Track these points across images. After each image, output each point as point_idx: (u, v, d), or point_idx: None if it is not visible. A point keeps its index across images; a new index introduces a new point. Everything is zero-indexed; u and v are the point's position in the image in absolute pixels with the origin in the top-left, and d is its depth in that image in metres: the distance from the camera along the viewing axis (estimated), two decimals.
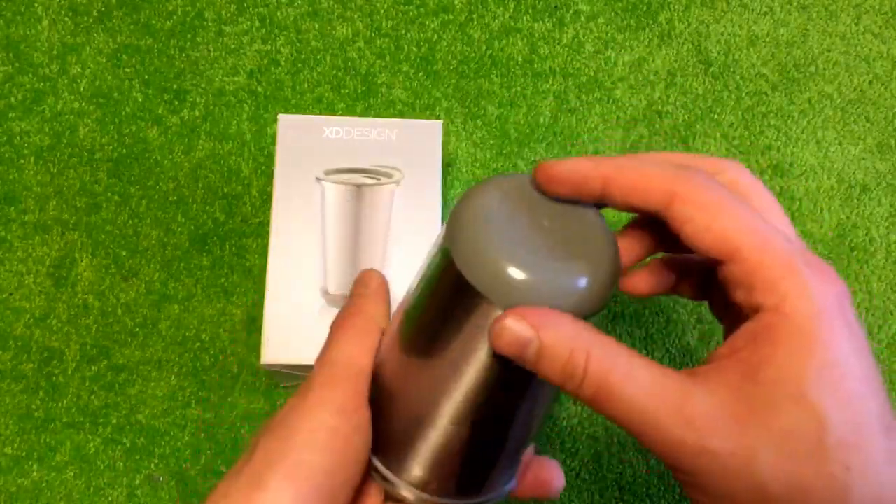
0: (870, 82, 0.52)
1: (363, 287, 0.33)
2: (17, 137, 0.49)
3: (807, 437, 0.23)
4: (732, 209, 0.25)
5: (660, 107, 0.51)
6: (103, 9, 0.52)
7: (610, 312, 0.47)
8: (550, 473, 0.33)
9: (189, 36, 0.52)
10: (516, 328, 0.25)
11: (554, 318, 0.25)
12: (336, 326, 0.31)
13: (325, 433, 0.27)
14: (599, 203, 0.28)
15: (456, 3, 0.53)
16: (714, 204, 0.25)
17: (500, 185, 0.27)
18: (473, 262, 0.25)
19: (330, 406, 0.28)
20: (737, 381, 0.24)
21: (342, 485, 0.28)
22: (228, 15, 0.52)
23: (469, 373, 0.27)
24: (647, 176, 0.26)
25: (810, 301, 0.24)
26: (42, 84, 0.50)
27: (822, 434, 0.23)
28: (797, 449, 0.23)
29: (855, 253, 0.49)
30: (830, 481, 0.23)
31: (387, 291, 0.33)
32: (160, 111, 0.50)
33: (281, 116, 0.42)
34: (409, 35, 0.52)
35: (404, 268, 0.40)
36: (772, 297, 0.24)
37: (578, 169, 0.27)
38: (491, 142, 0.50)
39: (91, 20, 0.52)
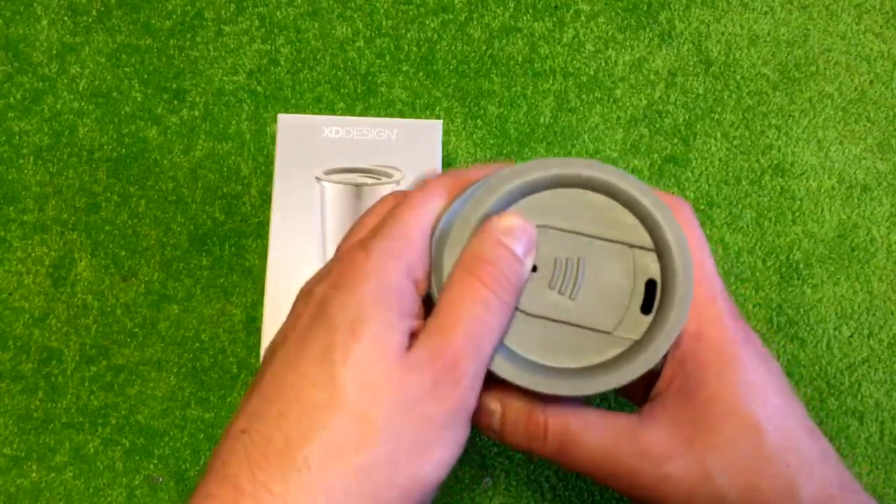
0: (871, 82, 0.52)
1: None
2: (17, 137, 0.49)
3: (747, 444, 0.26)
4: None
5: (660, 106, 0.51)
6: (103, 8, 0.52)
7: None
8: None
9: (188, 35, 0.52)
10: (484, 399, 0.27)
11: (512, 391, 0.27)
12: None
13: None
14: None
15: (456, 2, 0.53)
16: None
17: None
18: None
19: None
20: (678, 409, 0.27)
21: None
22: (228, 14, 0.52)
23: None
24: None
25: (725, 330, 0.27)
26: (41, 84, 0.50)
27: (760, 440, 0.26)
28: (742, 457, 0.26)
29: (855, 253, 0.49)
30: (777, 480, 0.26)
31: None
32: (159, 111, 0.50)
33: (280, 116, 0.42)
34: (409, 35, 0.52)
35: None
36: (693, 323, 0.27)
37: None
38: (491, 141, 0.50)
39: (90, 20, 0.52)
